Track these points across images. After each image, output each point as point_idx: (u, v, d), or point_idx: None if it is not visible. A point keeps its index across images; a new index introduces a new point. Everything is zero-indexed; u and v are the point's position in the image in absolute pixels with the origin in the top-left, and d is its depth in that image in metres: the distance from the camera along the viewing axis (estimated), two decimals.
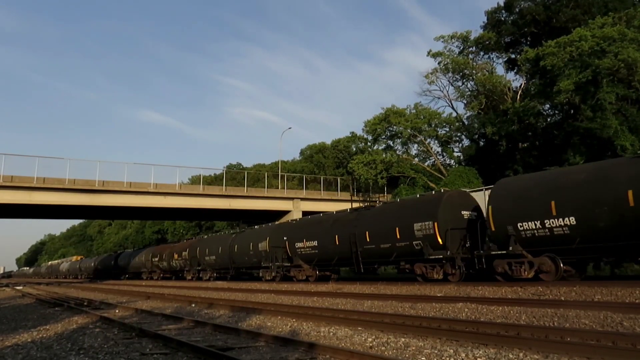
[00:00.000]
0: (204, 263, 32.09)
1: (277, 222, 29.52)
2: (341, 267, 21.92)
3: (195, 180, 56.62)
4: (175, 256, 36.50)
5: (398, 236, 17.32)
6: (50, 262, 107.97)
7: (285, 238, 23.72)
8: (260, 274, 25.51)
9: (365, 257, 18.89)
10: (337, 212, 23.78)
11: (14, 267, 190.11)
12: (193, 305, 14.36)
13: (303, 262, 22.52)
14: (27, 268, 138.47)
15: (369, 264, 19.17)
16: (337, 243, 20.28)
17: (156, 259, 40.17)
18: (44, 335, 8.79)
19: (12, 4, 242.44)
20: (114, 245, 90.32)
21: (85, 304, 15.93)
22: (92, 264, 60.84)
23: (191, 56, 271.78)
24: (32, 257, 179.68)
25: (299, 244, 22.63)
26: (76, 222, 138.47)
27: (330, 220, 21.74)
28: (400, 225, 17.31)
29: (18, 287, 35.10)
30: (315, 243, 21.65)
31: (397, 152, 43.05)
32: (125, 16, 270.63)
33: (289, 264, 23.33)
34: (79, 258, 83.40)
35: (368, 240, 18.68)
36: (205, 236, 39.72)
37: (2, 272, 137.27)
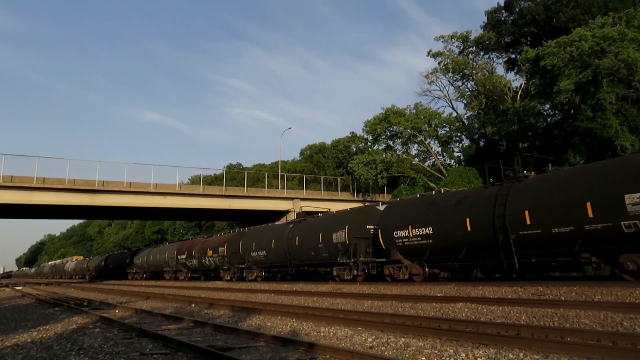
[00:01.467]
0: (250, 260, 26.73)
1: (359, 207, 24.15)
2: (473, 261, 15.58)
3: (195, 180, 56.62)
4: (210, 252, 31.14)
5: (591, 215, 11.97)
6: (54, 262, 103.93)
7: (375, 226, 19.50)
8: (335, 273, 20.32)
9: (524, 246, 13.47)
10: (463, 190, 18.75)
11: (13, 267, 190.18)
12: (193, 305, 14.36)
13: (404, 257, 17.51)
14: (27, 268, 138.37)
15: (529, 256, 13.47)
16: (470, 229, 15.00)
17: (183, 257, 35.06)
18: (44, 336, 8.78)
19: (12, 4, 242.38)
20: (114, 245, 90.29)
21: (85, 304, 15.92)
22: (102, 263, 56.16)
23: (191, 56, 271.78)
24: (32, 257, 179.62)
25: (400, 233, 17.42)
26: (76, 222, 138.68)
27: (455, 198, 16.37)
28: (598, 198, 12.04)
29: (18, 287, 35.09)
30: (429, 230, 16.43)
31: (397, 152, 43.05)
32: (125, 17, 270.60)
33: (384, 259, 18.40)
34: (78, 258, 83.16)
35: (529, 222, 13.28)
36: (245, 228, 32.58)
37: (1, 272, 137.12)
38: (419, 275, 16.85)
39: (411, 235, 17.07)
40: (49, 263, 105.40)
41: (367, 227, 19.86)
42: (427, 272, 16.73)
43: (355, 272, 19.21)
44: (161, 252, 39.51)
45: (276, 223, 29.33)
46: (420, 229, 16.80)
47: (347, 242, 19.58)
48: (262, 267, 26.20)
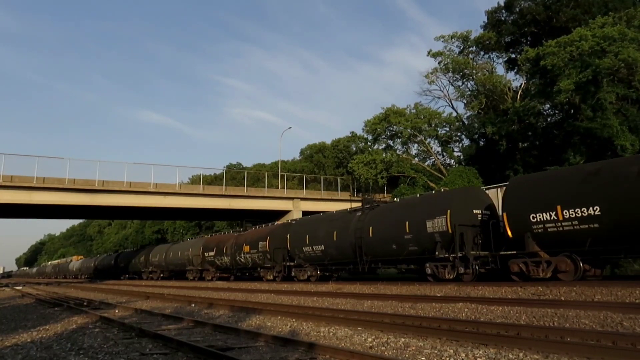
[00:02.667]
0: (301, 256, 22.52)
1: (461, 188, 19.34)
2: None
3: (195, 180, 56.60)
4: (246, 248, 26.88)
5: None
6: (57, 261, 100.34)
7: (484, 211, 15.93)
8: (429, 271, 16.15)
9: None
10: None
11: (13, 267, 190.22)
12: (193, 305, 14.36)
13: (543, 248, 13.61)
14: (27, 268, 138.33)
15: None
16: None
17: (211, 254, 30.83)
18: (44, 335, 8.78)
19: (12, 4, 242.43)
20: (114, 245, 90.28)
21: (84, 304, 15.92)
22: (112, 262, 51.53)
23: (190, 56, 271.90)
24: (32, 257, 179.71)
25: (540, 215, 13.38)
26: (76, 222, 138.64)
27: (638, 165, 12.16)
28: None
29: (18, 287, 35.09)
30: (593, 210, 12.26)
31: (397, 152, 43.06)
32: (124, 17, 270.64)
33: (509, 252, 14.38)
34: (79, 258, 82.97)
35: None
36: (291, 220, 28.41)
37: (1, 272, 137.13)
38: (568, 273, 12.96)
39: (561, 218, 13.01)
40: (52, 262, 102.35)
41: (474, 211, 15.88)
42: (582, 268, 12.95)
43: (460, 270, 15.09)
44: (183, 249, 35.41)
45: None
46: (577, 210, 12.70)
47: (450, 230, 15.41)
48: (318, 265, 22.03)
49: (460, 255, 14.99)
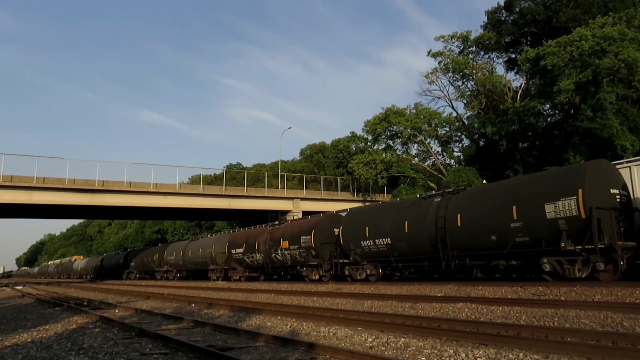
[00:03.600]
0: (357, 252, 18.94)
1: (593, 161, 14.27)
2: None
3: (195, 180, 56.59)
4: (285, 244, 23.18)
5: None
6: (60, 260, 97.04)
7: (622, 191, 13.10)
8: (547, 267, 12.96)
9: None
10: None
11: (14, 267, 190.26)
12: (193, 305, 14.35)
13: None
14: (27, 268, 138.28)
15: None
16: None
17: (239, 251, 27.20)
18: (44, 335, 8.78)
19: (12, 4, 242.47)
20: (114, 245, 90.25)
21: (85, 304, 15.92)
22: (121, 261, 48.00)
23: (190, 57, 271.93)
24: (32, 257, 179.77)
25: None
26: (76, 222, 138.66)
27: None
28: None
29: (18, 287, 35.09)
30: None
31: (397, 152, 43.08)
32: (124, 17, 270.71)
33: None
34: (79, 257, 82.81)
35: None
36: (340, 211, 23.79)
37: (1, 272, 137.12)
38: None
39: None
40: (55, 262, 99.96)
41: (612, 191, 12.87)
42: None
43: (599, 266, 11.91)
44: (205, 246, 31.81)
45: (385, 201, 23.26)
46: None
47: (583, 215, 12.18)
48: (380, 262, 18.33)
49: (601, 246, 11.88)
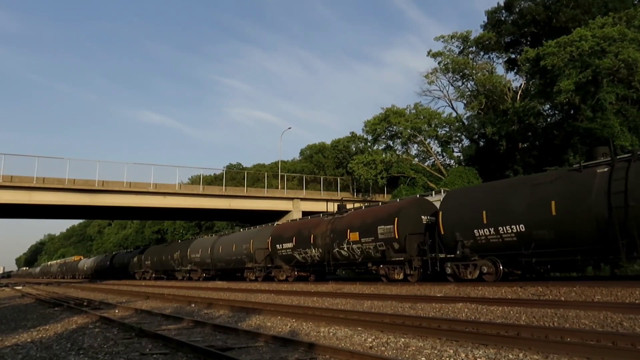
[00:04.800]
0: (467, 245, 14.96)
1: None
2: None
3: (195, 180, 56.60)
4: (354, 236, 19.16)
5: None
6: (64, 259, 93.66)
7: None
8: None
9: None
10: None
11: (13, 267, 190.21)
12: (192, 305, 14.35)
13: None
14: (26, 268, 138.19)
15: None
16: None
17: (287, 246, 22.99)
18: (44, 335, 8.78)
19: (13, 4, 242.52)
20: (114, 245, 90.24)
21: (84, 304, 15.91)
22: (133, 259, 44.36)
23: (190, 57, 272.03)
24: (32, 257, 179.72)
25: None
26: (76, 222, 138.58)
27: None
28: None
29: (18, 287, 35.09)
30: None
31: (397, 152, 43.07)
32: (124, 17, 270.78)
33: None
34: (79, 258, 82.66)
35: None
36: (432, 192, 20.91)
37: (1, 272, 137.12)
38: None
39: None
40: (58, 261, 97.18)
41: None
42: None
43: None
44: (240, 241, 27.94)
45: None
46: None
47: None
48: (503, 256, 14.45)
49: None
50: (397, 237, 17.43)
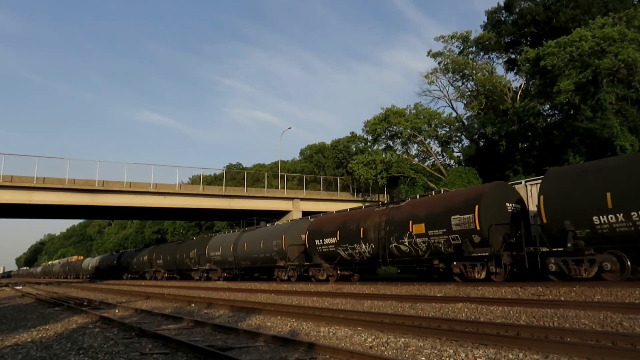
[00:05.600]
0: (581, 235, 12.41)
1: None
2: None
3: (195, 180, 56.62)
4: (418, 228, 16.51)
5: None
6: (67, 259, 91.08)
7: None
8: None
9: None
10: None
11: (13, 267, 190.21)
12: (192, 305, 14.35)
13: None
14: (27, 268, 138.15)
15: None
16: None
17: (329, 241, 20.37)
18: (44, 335, 8.78)
19: (12, 5, 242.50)
20: (114, 245, 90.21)
21: (85, 303, 15.91)
22: (143, 258, 41.42)
23: (190, 57, 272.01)
24: (32, 257, 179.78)
25: None
26: (76, 222, 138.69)
27: None
28: None
29: (18, 287, 35.09)
30: None
31: (397, 152, 43.08)
32: (124, 18, 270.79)
33: None
34: (79, 258, 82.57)
35: None
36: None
37: (1, 272, 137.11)
38: None
39: None
40: (61, 260, 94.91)
41: None
42: None
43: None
44: (269, 237, 24.67)
45: None
46: None
47: None
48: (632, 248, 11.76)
49: None
50: (478, 228, 14.66)
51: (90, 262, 59.74)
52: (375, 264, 18.77)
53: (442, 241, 15.73)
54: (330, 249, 20.50)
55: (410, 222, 16.79)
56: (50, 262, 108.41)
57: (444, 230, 15.62)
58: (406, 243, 16.96)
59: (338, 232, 20.15)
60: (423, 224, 16.38)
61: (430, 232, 16.04)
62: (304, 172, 53.24)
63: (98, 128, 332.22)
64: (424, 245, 16.38)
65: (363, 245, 18.83)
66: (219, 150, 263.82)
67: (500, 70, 44.96)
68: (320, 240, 21.01)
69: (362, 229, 18.98)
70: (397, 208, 18.16)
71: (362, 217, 19.57)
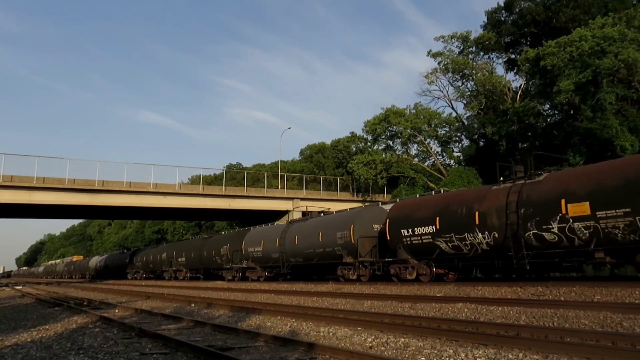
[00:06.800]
0: None
1: None
2: None
3: (195, 180, 56.60)
4: (575, 209, 12.42)
5: None
6: (71, 258, 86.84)
7: None
8: None
9: None
10: None
11: (13, 267, 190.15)
12: (192, 305, 14.35)
13: None
14: (26, 268, 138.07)
15: None
16: None
17: (424, 230, 16.31)
18: (44, 335, 8.78)
19: (12, 4, 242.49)
20: (114, 245, 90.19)
21: (84, 303, 15.92)
22: (160, 256, 38.08)
23: (189, 57, 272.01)
24: (32, 256, 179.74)
25: None
26: (76, 222, 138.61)
27: None
28: None
29: (18, 287, 35.10)
30: None
31: (397, 152, 43.07)
32: (124, 18, 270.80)
33: None
34: (79, 258, 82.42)
35: None
36: None
37: (1, 271, 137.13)
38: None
39: None
40: (65, 260, 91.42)
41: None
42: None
43: None
44: (329, 228, 20.89)
45: None
46: None
47: None
48: None
49: None
50: None
51: (99, 262, 55.82)
52: (492, 257, 14.80)
53: (621, 226, 11.58)
54: (424, 241, 16.28)
55: (563, 201, 12.74)
56: (53, 262, 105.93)
57: (627, 210, 11.44)
58: (555, 229, 12.89)
59: (438, 218, 15.89)
60: (587, 203, 12.23)
61: (600, 214, 11.96)
62: (303, 172, 53.22)
63: (98, 128, 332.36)
64: (586, 232, 12.28)
65: (479, 234, 14.70)
66: (219, 150, 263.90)
67: (500, 70, 45.09)
68: (409, 230, 16.77)
69: (477, 213, 14.83)
70: (534, 184, 13.97)
71: (475, 198, 15.31)
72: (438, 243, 15.87)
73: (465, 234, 15.01)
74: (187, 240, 41.58)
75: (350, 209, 20.19)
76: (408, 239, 16.87)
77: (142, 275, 42.68)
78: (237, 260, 27.59)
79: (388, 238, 17.63)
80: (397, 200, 18.94)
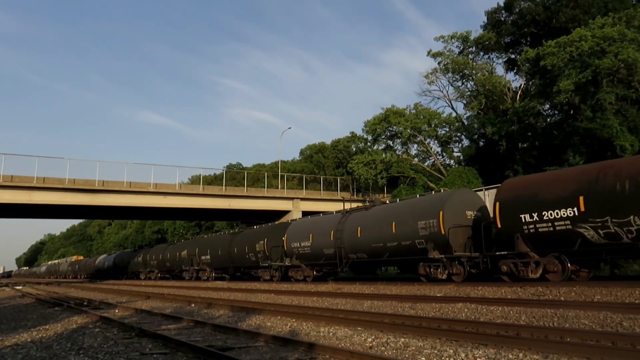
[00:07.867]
0: None
1: None
2: None
3: (195, 180, 56.57)
4: None
5: None
6: (74, 257, 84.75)
7: None
8: None
9: None
10: None
11: (13, 267, 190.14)
12: (192, 305, 14.36)
13: None
14: (27, 267, 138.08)
15: None
16: None
17: (569, 212, 12.41)
18: (44, 335, 8.78)
19: (12, 4, 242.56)
20: (114, 245, 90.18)
21: (85, 303, 15.92)
22: (180, 254, 34.84)
23: (189, 58, 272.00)
24: (32, 256, 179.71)
25: None
26: (76, 222, 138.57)
27: None
28: None
29: (18, 287, 35.10)
30: None
31: (397, 152, 43.06)
32: (124, 18, 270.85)
33: None
34: (79, 258, 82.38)
35: None
36: None
37: (1, 271, 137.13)
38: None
39: None
40: (69, 259, 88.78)
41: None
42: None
43: None
44: (407, 215, 17.26)
45: None
46: None
47: None
48: None
49: None
50: None
51: (108, 261, 52.22)
52: None
53: None
54: (557, 228, 12.73)
55: None
56: (56, 261, 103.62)
57: None
58: None
59: (582, 198, 12.28)
60: None
61: None
62: (303, 172, 53.22)
63: (98, 128, 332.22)
64: None
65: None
66: (219, 150, 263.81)
67: (500, 70, 44.98)
68: (533, 215, 13.26)
69: None
70: None
71: (622, 167, 11.92)
72: (581, 230, 12.23)
73: (632, 217, 11.29)
74: (213, 235, 36.98)
75: (434, 191, 16.87)
76: (531, 225, 13.20)
77: (156, 275, 39.66)
78: (277, 258, 24.16)
79: (499, 226, 14.05)
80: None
